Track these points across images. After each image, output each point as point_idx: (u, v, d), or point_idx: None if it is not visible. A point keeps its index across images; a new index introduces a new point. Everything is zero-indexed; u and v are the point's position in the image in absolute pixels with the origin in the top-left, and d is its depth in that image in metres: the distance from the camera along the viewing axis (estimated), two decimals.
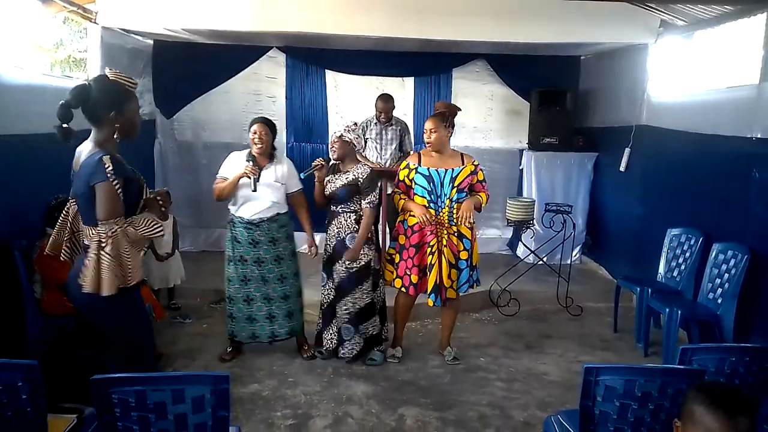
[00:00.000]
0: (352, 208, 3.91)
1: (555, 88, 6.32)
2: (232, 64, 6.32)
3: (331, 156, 3.95)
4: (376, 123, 5.58)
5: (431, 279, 3.88)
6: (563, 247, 5.33)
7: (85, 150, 2.45)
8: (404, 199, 3.98)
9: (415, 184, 3.92)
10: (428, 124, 3.90)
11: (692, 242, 4.42)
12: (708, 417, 1.65)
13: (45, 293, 3.64)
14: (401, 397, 3.67)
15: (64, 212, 2.63)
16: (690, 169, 4.67)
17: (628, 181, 5.69)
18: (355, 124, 3.98)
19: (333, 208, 3.98)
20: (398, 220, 4.06)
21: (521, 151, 6.67)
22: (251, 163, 3.79)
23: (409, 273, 3.96)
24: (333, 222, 3.97)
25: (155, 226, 2.48)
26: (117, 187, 2.34)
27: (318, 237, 4.15)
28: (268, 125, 3.89)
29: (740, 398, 1.70)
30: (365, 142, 5.60)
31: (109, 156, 2.35)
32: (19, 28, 4.52)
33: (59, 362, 3.33)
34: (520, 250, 6.17)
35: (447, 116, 3.94)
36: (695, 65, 5.16)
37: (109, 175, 2.32)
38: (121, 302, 2.43)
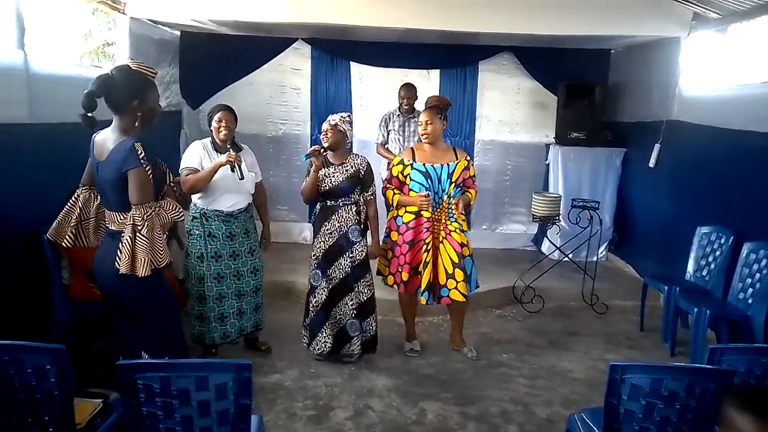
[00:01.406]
0: (353, 200, 3.85)
1: (583, 82, 6.21)
2: (257, 56, 6.35)
3: (323, 143, 3.83)
4: (398, 115, 5.55)
5: (425, 277, 3.83)
6: (589, 243, 5.26)
7: (109, 138, 2.53)
8: (397, 193, 3.92)
9: (411, 180, 3.87)
10: (424, 116, 3.91)
11: (722, 241, 4.32)
12: (740, 419, 1.61)
13: (72, 279, 3.69)
14: (422, 391, 3.66)
15: (72, 199, 2.74)
16: (721, 166, 4.56)
17: (657, 177, 5.58)
18: (349, 115, 3.92)
19: (331, 203, 3.82)
20: (390, 216, 4.03)
21: (548, 145, 6.58)
22: (232, 150, 3.64)
23: (400, 270, 3.92)
24: (332, 217, 3.80)
25: (178, 210, 2.63)
26: (149, 172, 2.46)
27: (305, 227, 4.04)
28: (232, 113, 3.81)
29: None
30: (387, 134, 5.59)
31: (140, 143, 2.45)
32: (51, 19, 4.58)
33: (84, 349, 3.38)
34: (545, 246, 6.10)
35: (441, 109, 3.95)
36: (729, 59, 5.02)
37: (142, 161, 2.43)
38: (151, 282, 2.52)
